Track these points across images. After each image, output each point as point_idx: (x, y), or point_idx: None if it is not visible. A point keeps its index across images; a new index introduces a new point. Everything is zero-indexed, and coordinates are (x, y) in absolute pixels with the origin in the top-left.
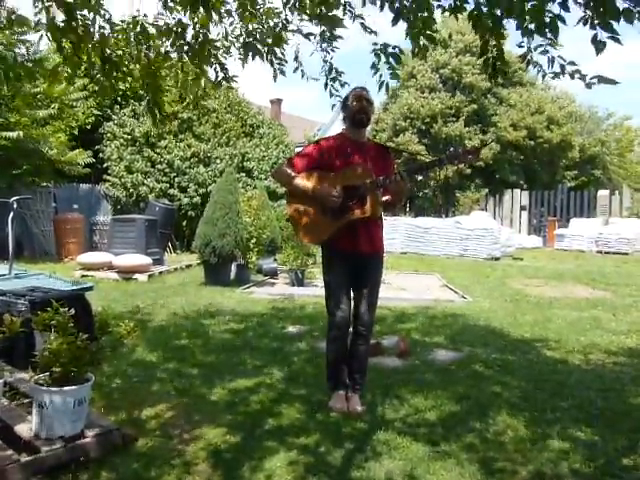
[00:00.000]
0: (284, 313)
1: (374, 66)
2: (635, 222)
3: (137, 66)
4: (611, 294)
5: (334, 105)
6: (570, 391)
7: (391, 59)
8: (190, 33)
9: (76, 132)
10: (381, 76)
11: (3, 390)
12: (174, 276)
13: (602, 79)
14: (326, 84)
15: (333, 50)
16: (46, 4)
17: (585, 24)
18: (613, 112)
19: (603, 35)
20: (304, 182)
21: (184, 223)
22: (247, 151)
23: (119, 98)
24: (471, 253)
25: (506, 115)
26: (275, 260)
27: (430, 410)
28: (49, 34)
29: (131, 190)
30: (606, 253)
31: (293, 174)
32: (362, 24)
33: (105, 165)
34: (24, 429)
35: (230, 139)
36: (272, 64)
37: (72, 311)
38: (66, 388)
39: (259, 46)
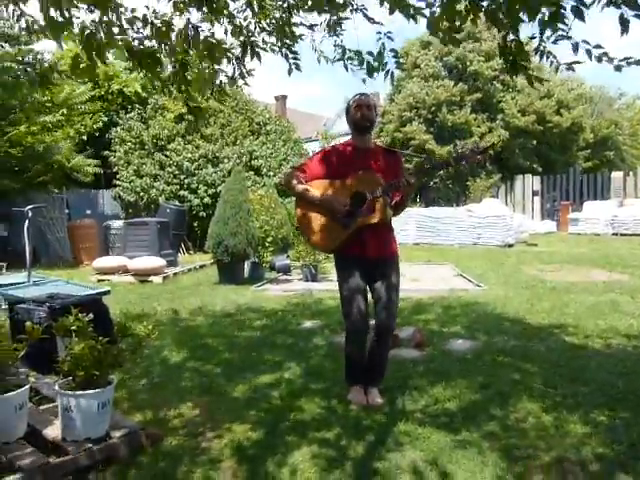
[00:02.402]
0: (299, 309)
1: (380, 54)
2: None
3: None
4: (629, 277)
5: (364, 79)
6: (591, 376)
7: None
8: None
9: (85, 138)
10: (386, 64)
11: (29, 395)
12: (188, 277)
13: (631, 61)
14: (345, 66)
15: (341, 33)
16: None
17: (609, 5)
18: (624, 92)
19: (629, 13)
20: (311, 190)
21: (195, 224)
22: (254, 149)
23: (125, 102)
24: (484, 241)
25: (513, 101)
26: (288, 256)
27: (450, 400)
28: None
29: (141, 194)
30: (622, 235)
31: (300, 182)
32: (365, 15)
33: (115, 170)
34: (51, 432)
35: (237, 138)
36: (287, 58)
37: (91, 316)
38: (89, 391)
39: (271, 40)
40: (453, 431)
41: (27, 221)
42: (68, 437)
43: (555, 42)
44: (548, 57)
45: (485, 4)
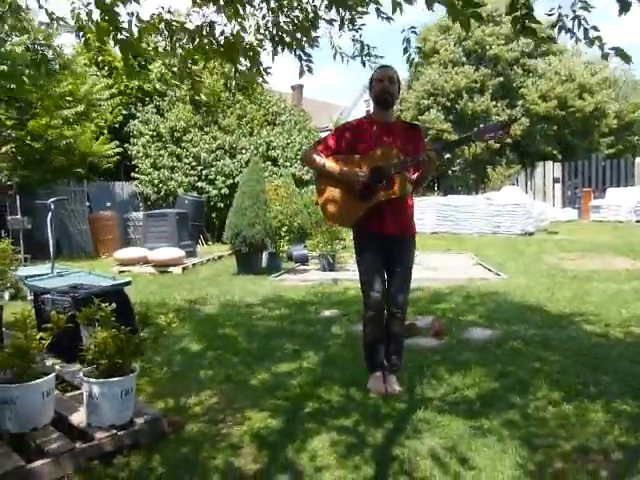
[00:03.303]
0: (317, 298)
1: (406, 50)
2: None
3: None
4: None
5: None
6: (612, 365)
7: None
8: (219, 30)
9: (105, 131)
10: (410, 54)
11: (55, 383)
12: (207, 267)
13: (619, 52)
14: (363, 62)
15: (360, 28)
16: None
17: None
18: None
19: None
20: (332, 164)
21: (214, 215)
22: (271, 139)
23: (143, 95)
24: (504, 230)
25: (534, 86)
26: (305, 247)
27: (469, 388)
28: (89, 36)
29: (160, 185)
30: None
31: (321, 157)
32: (377, 9)
33: (133, 162)
34: (77, 419)
35: (254, 128)
36: (300, 59)
37: (113, 305)
38: (113, 379)
39: (288, 39)
40: (472, 419)
41: (50, 214)
42: (93, 423)
43: (575, 19)
44: (567, 32)
45: None
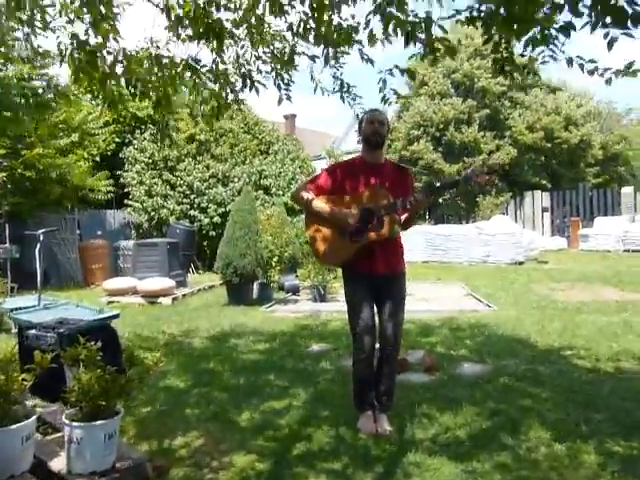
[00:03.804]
0: (307, 331)
1: (381, 90)
2: None
3: (151, 90)
4: None
5: (359, 115)
6: (604, 402)
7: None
8: (203, 63)
9: (98, 159)
10: (384, 95)
11: (36, 425)
12: (197, 298)
13: (620, 72)
14: (342, 98)
15: (341, 66)
16: (72, 50)
17: (594, 28)
18: (633, 107)
19: (616, 32)
20: (321, 204)
21: (205, 243)
22: (264, 168)
23: (138, 123)
24: (494, 259)
25: (521, 118)
26: (296, 276)
27: (460, 428)
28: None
29: (152, 213)
30: (634, 252)
31: (310, 197)
32: (360, 50)
33: (126, 190)
34: (57, 465)
35: (247, 157)
36: (279, 88)
37: (99, 344)
38: (96, 423)
39: (267, 69)
40: (463, 462)
41: (39, 245)
42: (74, 470)
43: (543, 63)
44: (534, 75)
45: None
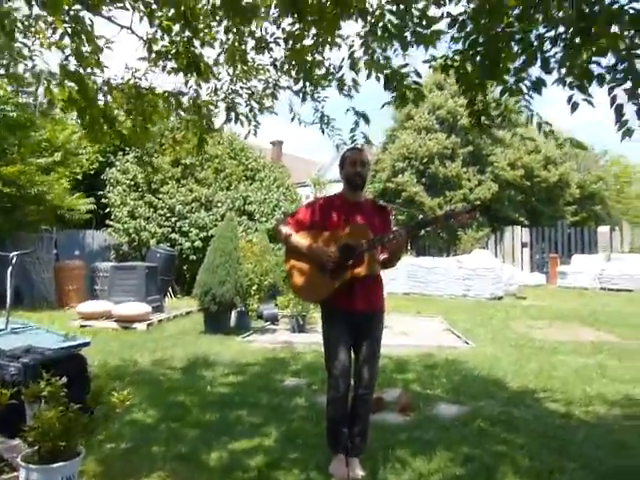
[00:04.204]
0: (283, 364)
1: (353, 130)
2: (637, 258)
3: (128, 121)
4: (616, 337)
5: (338, 145)
6: (577, 449)
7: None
8: (186, 97)
9: (80, 178)
10: (354, 135)
11: None
12: (173, 324)
13: (573, 142)
14: (322, 130)
15: (324, 100)
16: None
17: (563, 85)
18: (608, 149)
19: (579, 97)
20: (301, 240)
21: (185, 267)
22: (249, 194)
23: (122, 144)
24: (474, 293)
25: (503, 155)
26: (276, 305)
27: (433, 474)
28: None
29: (133, 235)
30: (610, 290)
31: (290, 232)
32: (339, 86)
33: (107, 211)
34: None
35: (231, 183)
36: (249, 122)
37: (64, 379)
38: (54, 465)
39: (254, 104)
40: None
41: (10, 267)
42: None
43: (518, 113)
44: (508, 123)
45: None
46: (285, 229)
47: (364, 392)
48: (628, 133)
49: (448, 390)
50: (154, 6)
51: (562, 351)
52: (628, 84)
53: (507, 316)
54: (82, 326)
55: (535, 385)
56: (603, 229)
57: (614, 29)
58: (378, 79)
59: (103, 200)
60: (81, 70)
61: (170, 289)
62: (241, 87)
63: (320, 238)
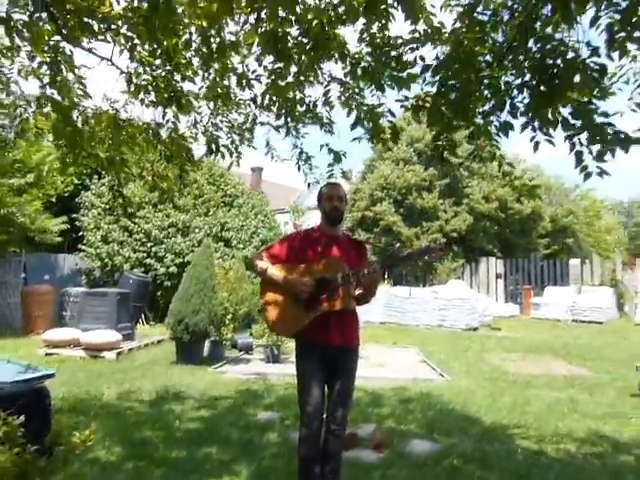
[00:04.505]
0: (256, 396)
1: (331, 165)
2: (607, 291)
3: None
4: (587, 370)
5: (310, 184)
6: None
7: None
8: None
9: (54, 200)
10: (332, 170)
11: None
12: (144, 353)
13: (527, 189)
14: (298, 167)
15: (303, 137)
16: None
17: (525, 128)
18: (579, 183)
19: (541, 137)
20: (276, 273)
21: (159, 293)
22: (227, 221)
23: (98, 167)
24: (449, 323)
25: (478, 187)
26: (251, 334)
27: None
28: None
29: (106, 260)
30: (581, 322)
31: (266, 265)
32: (319, 123)
33: (80, 234)
34: None
35: (210, 209)
36: (231, 154)
37: (22, 418)
38: None
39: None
40: None
41: None
42: None
43: (487, 152)
44: (482, 165)
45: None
46: (261, 263)
47: (337, 428)
48: (588, 176)
49: (422, 425)
50: (136, 40)
51: (535, 385)
52: (586, 134)
53: (482, 348)
54: (48, 354)
55: (508, 420)
56: (574, 262)
57: (576, 79)
58: (359, 119)
59: (77, 223)
60: (59, 98)
61: (143, 316)
62: (221, 120)
63: (295, 271)
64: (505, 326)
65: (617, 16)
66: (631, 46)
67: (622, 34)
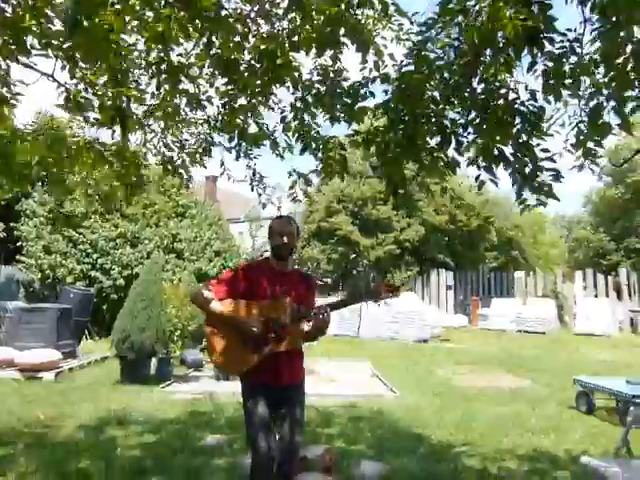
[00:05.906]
0: (204, 418)
1: (291, 187)
2: (549, 302)
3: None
4: (530, 382)
5: (265, 205)
6: None
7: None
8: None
9: None
10: (295, 194)
11: None
12: (86, 372)
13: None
14: (252, 187)
15: (256, 157)
16: None
17: (470, 164)
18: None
19: (486, 176)
20: (222, 309)
21: (104, 306)
22: (178, 232)
23: (42, 175)
24: (401, 335)
25: (429, 200)
26: (201, 350)
27: None
28: None
29: (47, 272)
30: (525, 332)
31: (211, 298)
32: (278, 154)
33: (19, 244)
34: None
35: (160, 219)
36: (181, 177)
37: None
38: None
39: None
40: None
41: None
42: None
43: (436, 184)
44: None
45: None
46: (207, 293)
47: (286, 467)
48: (527, 209)
49: (372, 445)
50: (77, 56)
51: (482, 399)
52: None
53: (431, 360)
54: None
55: (455, 438)
56: (519, 274)
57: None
58: (310, 145)
59: (16, 232)
60: None
61: (86, 331)
62: (172, 141)
63: (244, 308)
64: (454, 337)
65: (550, 64)
66: (564, 92)
67: (553, 80)
